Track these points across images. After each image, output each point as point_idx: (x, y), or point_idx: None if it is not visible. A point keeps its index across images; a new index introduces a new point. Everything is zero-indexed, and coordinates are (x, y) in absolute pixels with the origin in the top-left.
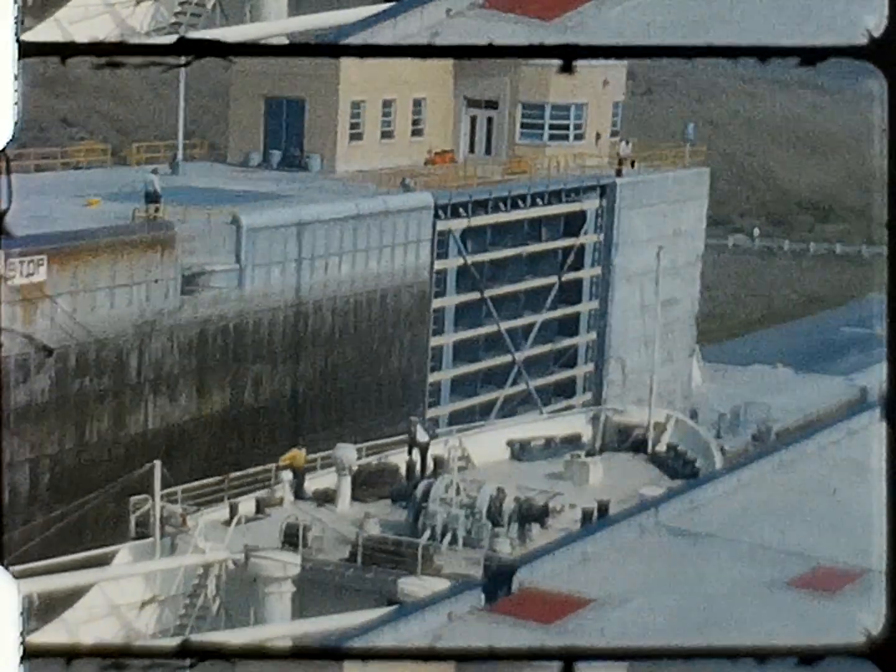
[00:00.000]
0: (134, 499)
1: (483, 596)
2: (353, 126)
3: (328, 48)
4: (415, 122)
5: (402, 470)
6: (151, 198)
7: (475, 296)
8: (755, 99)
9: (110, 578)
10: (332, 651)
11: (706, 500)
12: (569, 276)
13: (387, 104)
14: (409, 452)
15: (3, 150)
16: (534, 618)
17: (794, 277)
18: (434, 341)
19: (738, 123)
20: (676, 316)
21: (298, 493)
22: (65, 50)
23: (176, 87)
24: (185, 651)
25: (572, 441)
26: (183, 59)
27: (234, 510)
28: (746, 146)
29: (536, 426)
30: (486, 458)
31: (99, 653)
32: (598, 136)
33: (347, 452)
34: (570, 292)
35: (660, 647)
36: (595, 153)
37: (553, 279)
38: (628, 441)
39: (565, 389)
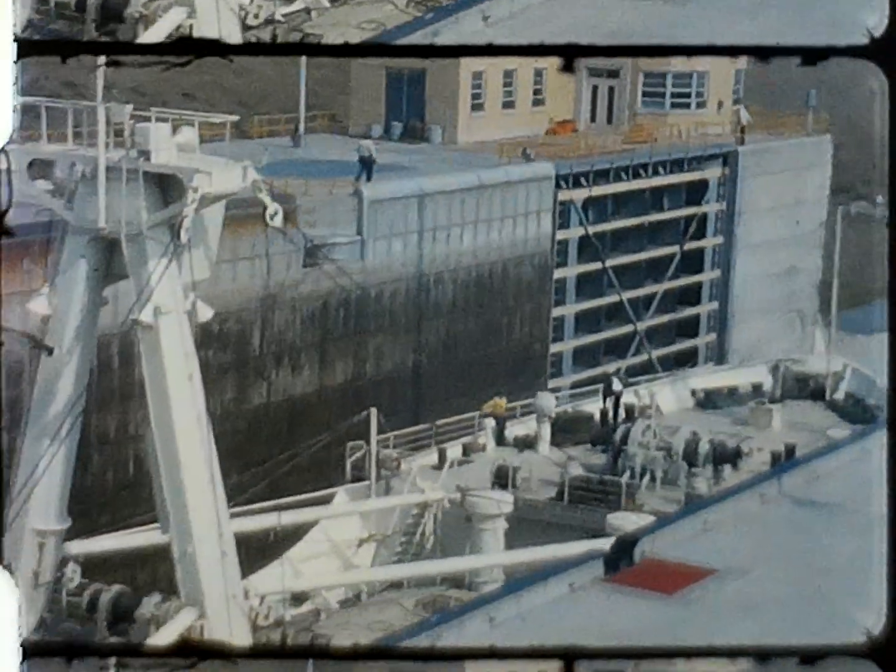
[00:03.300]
0: (350, 444)
1: (604, 566)
2: (474, 96)
3: (328, 48)
4: (536, 92)
5: (597, 417)
6: (366, 163)
7: (597, 266)
8: None
9: (332, 516)
10: (333, 651)
11: (829, 471)
12: (690, 245)
13: (508, 74)
14: (604, 401)
15: (3, 149)
16: (655, 588)
17: None
18: (556, 312)
19: (861, 90)
20: (799, 285)
21: (500, 440)
22: (65, 50)
23: (297, 60)
24: (186, 651)
25: (754, 389)
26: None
27: (442, 455)
28: (869, 113)
29: (719, 376)
30: (672, 406)
31: (99, 653)
32: (720, 103)
33: (548, 400)
34: (692, 261)
35: (660, 646)
36: (717, 121)
37: (675, 248)
38: (807, 389)
39: (687, 359)
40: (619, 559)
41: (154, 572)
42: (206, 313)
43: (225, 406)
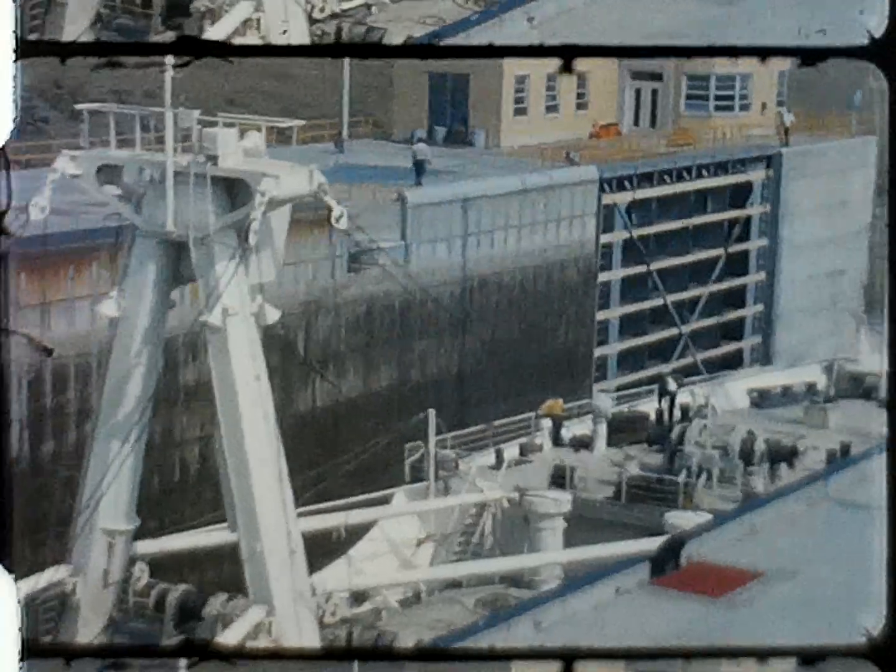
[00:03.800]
0: (408, 445)
1: (650, 570)
2: (517, 100)
3: (328, 48)
4: (579, 96)
5: (652, 417)
6: (420, 167)
7: (641, 269)
8: None
9: (391, 516)
10: (333, 652)
11: (876, 472)
12: (735, 247)
13: (551, 78)
14: (659, 401)
15: (3, 149)
16: (701, 591)
17: None
18: (600, 315)
19: None
20: (843, 287)
21: (556, 440)
22: (64, 50)
23: (340, 65)
24: (186, 651)
25: (808, 389)
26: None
27: (499, 455)
28: None
29: (773, 376)
30: (727, 406)
31: (99, 653)
32: (763, 105)
33: (605, 401)
34: (737, 264)
35: (660, 647)
36: (760, 123)
37: (719, 251)
38: (861, 388)
39: (732, 362)
40: (666, 562)
41: (219, 572)
42: (272, 315)
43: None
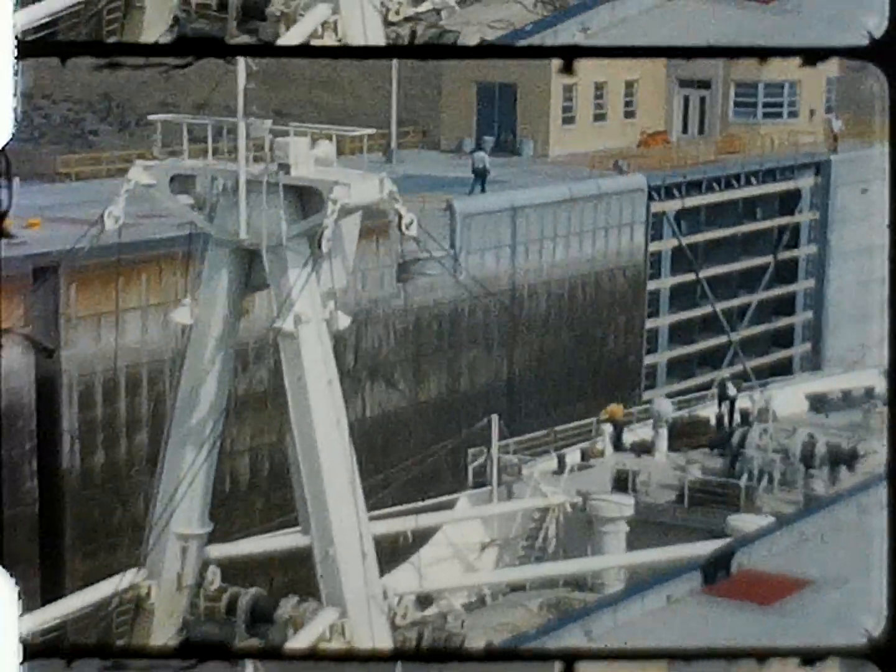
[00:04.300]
0: (471, 450)
1: (702, 578)
2: (565, 109)
3: (328, 49)
4: (627, 104)
5: (712, 422)
6: (480, 174)
7: (690, 277)
8: None
9: (455, 520)
10: (333, 653)
11: None
12: (784, 254)
13: (599, 87)
14: (719, 406)
15: (3, 149)
16: (752, 599)
17: None
18: (649, 323)
19: None
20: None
21: (617, 445)
22: (65, 50)
23: (390, 76)
24: (186, 651)
25: (867, 393)
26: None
27: (561, 460)
28: None
29: (832, 380)
30: (787, 410)
31: (99, 653)
32: (811, 112)
33: (665, 406)
34: (786, 271)
35: (660, 647)
36: (809, 130)
37: (768, 258)
38: None
39: (782, 369)
40: (717, 570)
41: (289, 575)
42: (343, 321)
43: None
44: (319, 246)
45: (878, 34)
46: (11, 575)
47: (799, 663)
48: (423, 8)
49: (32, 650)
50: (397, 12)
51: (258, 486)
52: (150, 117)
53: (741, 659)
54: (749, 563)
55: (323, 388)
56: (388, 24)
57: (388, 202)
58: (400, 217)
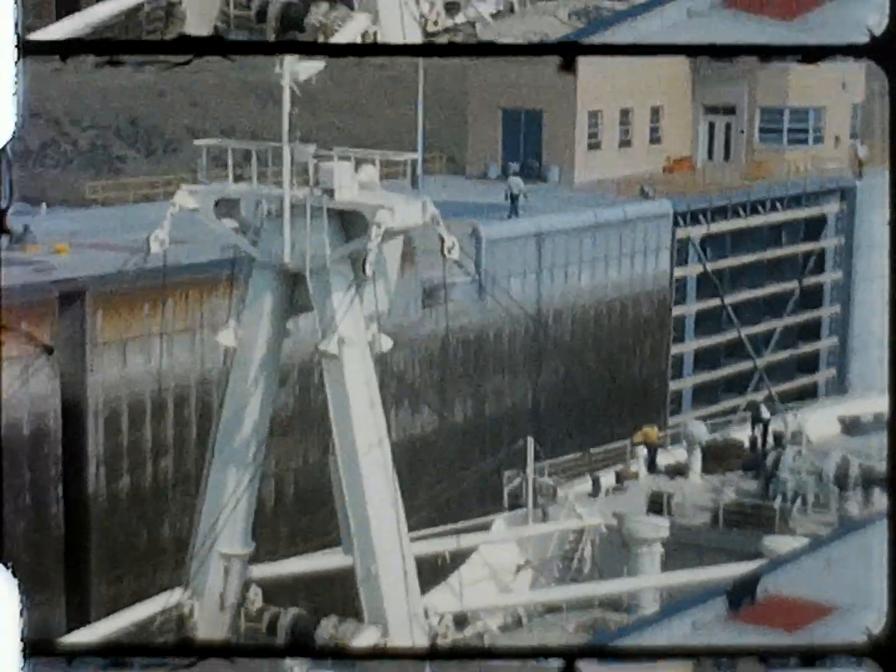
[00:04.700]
0: (507, 473)
1: (727, 604)
2: (590, 135)
3: (327, 48)
4: (653, 130)
5: (746, 444)
6: (515, 200)
7: (715, 302)
8: None
9: (492, 542)
10: (333, 652)
11: None
12: (809, 280)
13: (624, 113)
14: (753, 428)
15: (3, 149)
16: (778, 625)
17: None
18: (675, 349)
19: None
20: None
21: (651, 467)
22: (65, 49)
23: (414, 102)
24: (186, 650)
25: None
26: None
27: (596, 482)
28: None
29: (863, 403)
30: (820, 433)
31: (99, 652)
32: (836, 139)
33: (699, 428)
34: (811, 297)
35: (661, 647)
36: (834, 156)
37: (793, 284)
38: None
39: (808, 394)
40: (742, 596)
41: (329, 596)
42: (386, 343)
43: None
44: (364, 269)
45: (878, 32)
46: (34, 596)
47: (799, 663)
48: (459, 20)
49: (33, 650)
50: (435, 23)
51: (284, 512)
52: (196, 142)
53: (742, 658)
54: (775, 587)
55: (365, 410)
56: (426, 34)
57: (431, 226)
58: (442, 241)
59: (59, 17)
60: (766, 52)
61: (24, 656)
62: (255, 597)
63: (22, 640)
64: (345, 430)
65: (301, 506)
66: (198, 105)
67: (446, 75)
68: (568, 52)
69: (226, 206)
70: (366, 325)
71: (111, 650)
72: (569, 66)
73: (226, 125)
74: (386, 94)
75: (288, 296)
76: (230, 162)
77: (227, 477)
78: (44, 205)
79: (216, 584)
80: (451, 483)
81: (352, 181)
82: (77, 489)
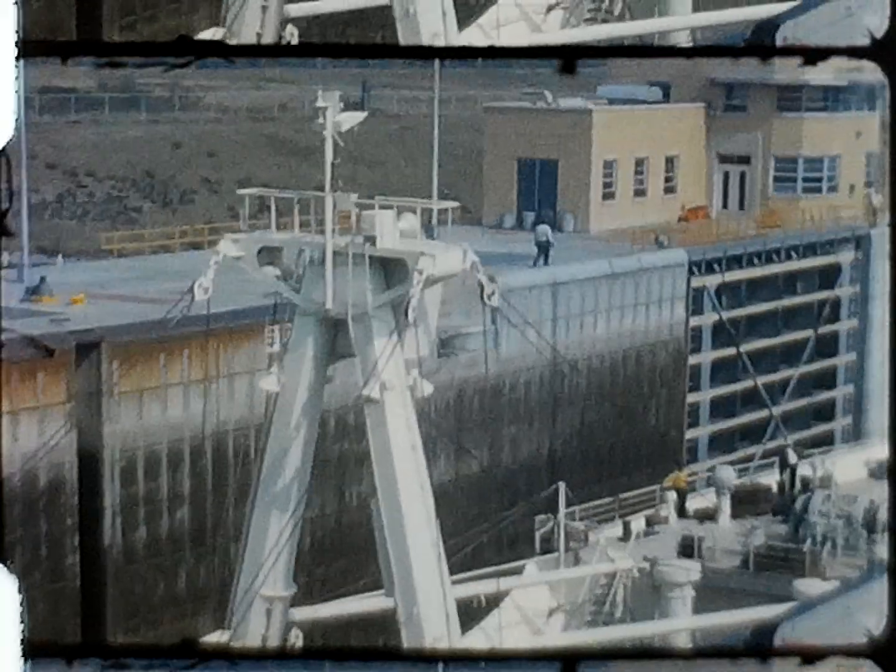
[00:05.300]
0: (538, 518)
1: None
2: (605, 185)
3: (327, 48)
4: (667, 180)
5: (774, 489)
6: (544, 247)
7: (731, 351)
8: None
9: (524, 585)
10: (332, 651)
11: None
12: (825, 329)
13: (639, 162)
14: (781, 473)
15: (3, 149)
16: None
17: None
18: (691, 397)
19: None
20: None
21: (681, 512)
22: (65, 50)
23: (430, 152)
24: (186, 651)
25: None
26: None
27: (627, 527)
28: None
29: (889, 447)
30: (847, 477)
31: (100, 653)
32: (851, 187)
33: (727, 473)
34: (827, 345)
35: (661, 647)
36: (849, 204)
37: (809, 332)
38: None
39: (824, 442)
40: (761, 645)
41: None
42: (427, 388)
43: (361, 497)
44: (406, 315)
45: (878, 34)
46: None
47: (799, 663)
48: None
49: (33, 650)
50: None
51: (300, 561)
52: (239, 192)
53: (741, 658)
54: (792, 637)
55: (407, 453)
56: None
57: (471, 273)
58: (482, 287)
59: (79, 16)
60: (767, 53)
61: (25, 656)
62: (296, 639)
63: (22, 640)
64: (387, 473)
65: (318, 556)
66: (214, 156)
67: (461, 125)
68: (567, 55)
69: (268, 254)
70: (407, 370)
71: (112, 651)
72: (569, 69)
73: (241, 176)
74: (400, 147)
75: (330, 341)
76: (273, 210)
77: (270, 521)
78: (60, 256)
79: (258, 627)
80: (492, 526)
81: (393, 229)
82: (93, 539)
